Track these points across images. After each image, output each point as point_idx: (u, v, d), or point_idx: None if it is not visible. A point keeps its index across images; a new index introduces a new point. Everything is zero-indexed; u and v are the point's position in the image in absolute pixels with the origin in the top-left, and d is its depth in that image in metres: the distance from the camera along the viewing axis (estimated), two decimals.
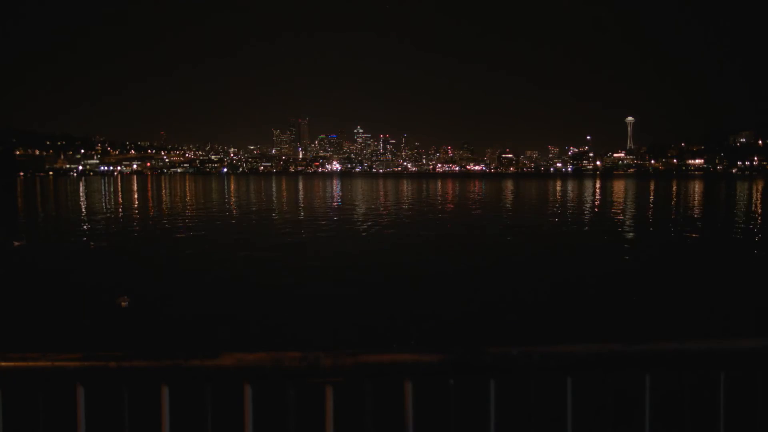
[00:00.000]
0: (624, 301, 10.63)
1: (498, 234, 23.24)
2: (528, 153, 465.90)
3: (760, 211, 36.28)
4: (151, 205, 44.05)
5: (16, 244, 18.91)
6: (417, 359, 1.55)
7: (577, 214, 34.51)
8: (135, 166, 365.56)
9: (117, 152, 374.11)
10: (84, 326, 9.09)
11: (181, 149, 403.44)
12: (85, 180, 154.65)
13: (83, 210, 37.87)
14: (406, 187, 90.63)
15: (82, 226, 26.31)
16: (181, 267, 15.04)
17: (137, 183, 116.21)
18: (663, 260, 15.75)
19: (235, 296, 11.53)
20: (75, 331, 8.82)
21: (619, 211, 35.97)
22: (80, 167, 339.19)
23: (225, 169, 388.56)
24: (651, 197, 55.83)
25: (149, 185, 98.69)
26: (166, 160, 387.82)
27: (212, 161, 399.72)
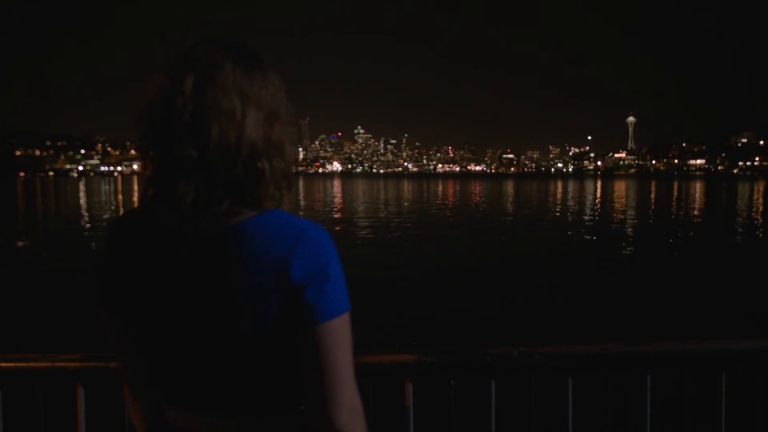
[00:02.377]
0: (625, 301, 10.62)
1: (499, 233, 23.24)
2: (529, 153, 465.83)
3: (761, 212, 36.25)
4: None
5: (20, 244, 18.90)
6: (418, 359, 1.55)
7: (578, 214, 34.51)
8: (135, 167, 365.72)
9: (117, 152, 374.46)
10: (85, 326, 9.09)
11: None
12: (86, 180, 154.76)
13: (84, 211, 37.93)
14: (407, 187, 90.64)
15: (84, 227, 26.35)
16: None
17: (137, 184, 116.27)
18: (664, 260, 15.74)
19: None
20: (75, 332, 8.82)
21: (620, 211, 35.97)
22: (81, 167, 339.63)
23: None
24: (652, 198, 55.83)
25: None
26: None
27: None
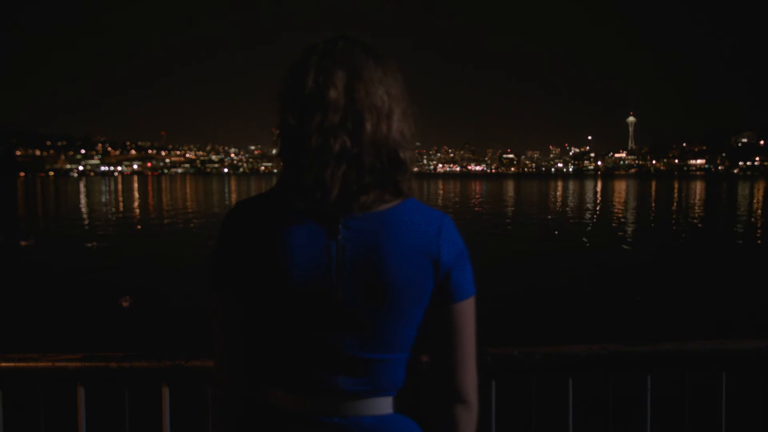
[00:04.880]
0: (625, 301, 10.63)
1: (499, 232, 23.24)
2: (529, 153, 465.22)
3: (761, 212, 36.24)
4: (151, 205, 44.10)
5: (23, 243, 18.88)
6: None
7: (578, 214, 34.52)
8: (136, 167, 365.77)
9: (117, 152, 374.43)
10: (85, 326, 9.09)
11: (182, 149, 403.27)
12: (86, 180, 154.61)
13: (85, 211, 37.93)
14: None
15: (84, 227, 26.34)
16: (182, 267, 15.06)
17: (138, 183, 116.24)
18: (665, 260, 15.75)
19: None
20: (76, 331, 8.83)
21: (620, 212, 35.97)
22: (81, 167, 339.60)
23: (226, 170, 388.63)
24: (652, 198, 55.81)
25: (149, 186, 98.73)
26: (167, 160, 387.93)
27: (213, 161, 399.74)
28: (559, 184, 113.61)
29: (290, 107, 0.99)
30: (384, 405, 1.03)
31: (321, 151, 0.95)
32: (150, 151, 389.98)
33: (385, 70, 1.02)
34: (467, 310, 1.05)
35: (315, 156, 0.95)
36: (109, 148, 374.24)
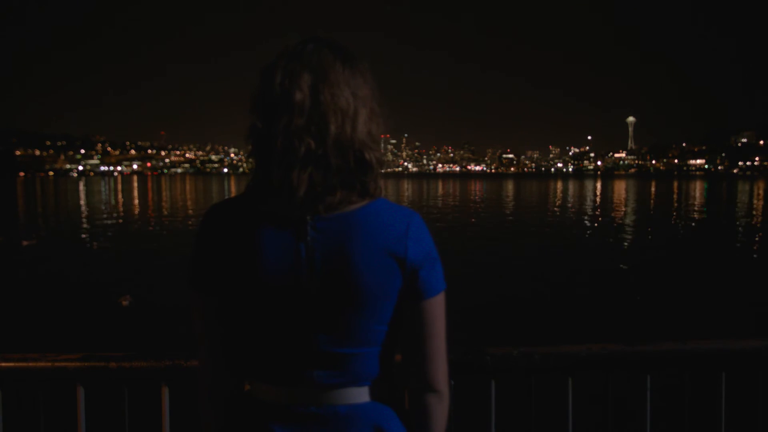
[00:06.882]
0: (625, 301, 10.62)
1: (498, 232, 23.23)
2: (529, 153, 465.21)
3: (761, 212, 36.23)
4: (151, 205, 44.07)
5: (24, 243, 18.86)
6: None
7: (578, 214, 34.50)
8: (135, 167, 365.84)
9: (117, 152, 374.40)
10: (85, 326, 9.08)
11: (182, 149, 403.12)
12: (86, 180, 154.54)
13: (84, 210, 37.91)
14: (406, 187, 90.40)
15: (84, 226, 26.33)
16: (182, 266, 15.05)
17: (137, 183, 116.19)
18: (665, 260, 15.74)
19: None
20: (76, 331, 8.82)
21: (620, 212, 35.95)
22: (80, 167, 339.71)
23: (225, 170, 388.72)
24: (652, 198, 55.79)
25: (149, 186, 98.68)
26: (167, 160, 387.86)
27: (212, 161, 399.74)
28: (559, 184, 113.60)
29: (258, 109, 1.01)
30: (359, 394, 1.07)
31: (287, 153, 0.97)
32: (150, 151, 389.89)
33: (354, 71, 1.04)
34: (436, 306, 1.07)
35: (281, 158, 0.98)
36: (109, 148, 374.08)
